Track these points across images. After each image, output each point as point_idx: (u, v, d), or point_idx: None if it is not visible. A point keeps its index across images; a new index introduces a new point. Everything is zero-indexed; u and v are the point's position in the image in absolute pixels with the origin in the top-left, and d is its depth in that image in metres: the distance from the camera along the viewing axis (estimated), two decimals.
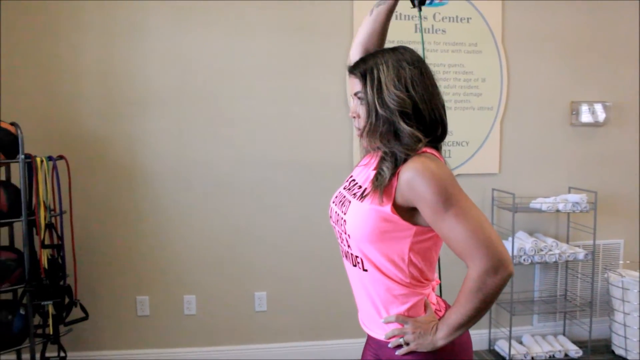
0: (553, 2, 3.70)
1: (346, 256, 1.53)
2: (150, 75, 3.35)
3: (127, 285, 3.45)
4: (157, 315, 3.48)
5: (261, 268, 3.54)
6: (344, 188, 1.57)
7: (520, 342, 3.77)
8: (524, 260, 3.51)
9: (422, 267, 1.45)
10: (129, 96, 3.34)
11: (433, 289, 1.58)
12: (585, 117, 3.74)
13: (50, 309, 2.95)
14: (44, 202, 2.91)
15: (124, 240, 3.41)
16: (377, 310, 1.50)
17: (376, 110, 1.41)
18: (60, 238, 2.99)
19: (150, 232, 3.43)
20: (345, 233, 1.48)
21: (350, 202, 1.49)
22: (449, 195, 1.31)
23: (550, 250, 3.54)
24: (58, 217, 3.01)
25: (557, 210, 3.53)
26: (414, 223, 1.39)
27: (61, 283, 2.98)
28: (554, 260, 3.55)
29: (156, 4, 3.31)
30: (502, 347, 3.68)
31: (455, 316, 1.37)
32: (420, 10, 1.90)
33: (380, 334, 1.50)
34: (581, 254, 3.58)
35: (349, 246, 1.49)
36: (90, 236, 3.35)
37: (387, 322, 1.47)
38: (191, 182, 3.44)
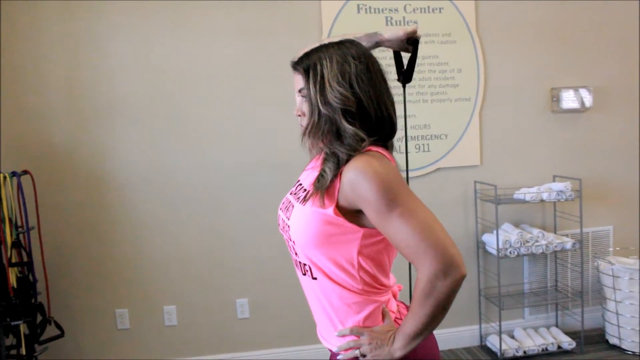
0: None
1: (296, 265, 1.45)
2: (116, 84, 3.26)
3: (105, 298, 3.37)
4: (138, 327, 3.41)
5: (241, 274, 3.46)
6: (291, 193, 1.49)
7: (512, 337, 3.68)
8: (510, 252, 3.42)
9: (374, 272, 1.36)
10: (96, 106, 3.25)
11: (395, 296, 1.50)
12: (567, 103, 3.65)
13: (22, 329, 2.87)
14: (9, 219, 2.83)
15: (99, 254, 3.33)
16: (331, 322, 1.42)
17: (319, 109, 1.33)
18: (29, 255, 2.92)
19: (126, 244, 3.35)
20: (291, 240, 1.41)
21: (293, 206, 1.41)
22: (393, 195, 1.23)
23: (536, 241, 3.45)
24: (26, 234, 2.93)
25: (542, 200, 3.45)
26: (361, 225, 1.31)
27: (33, 301, 2.91)
28: (540, 251, 3.46)
29: (120, 10, 3.23)
30: (493, 342, 3.60)
31: (410, 324, 1.28)
32: (404, 87, 1.87)
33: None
34: (569, 243, 3.50)
35: (296, 253, 1.42)
36: (64, 251, 3.28)
37: (342, 335, 1.39)
38: (164, 190, 3.35)
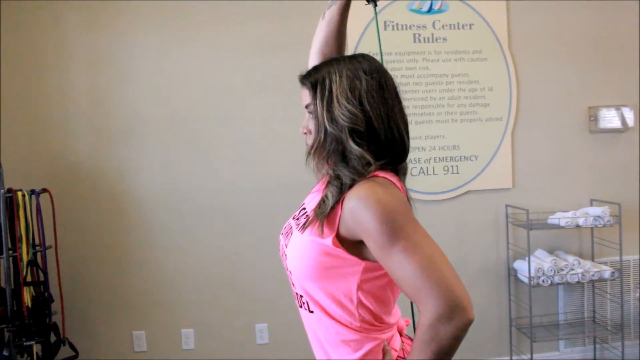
0: (562, 2, 3.46)
1: (294, 296, 1.34)
2: (137, 103, 3.23)
3: (123, 320, 3.30)
4: (155, 350, 3.32)
5: (261, 299, 3.35)
6: (293, 217, 1.38)
7: None
8: (543, 281, 3.23)
9: (375, 309, 1.23)
10: (117, 125, 3.23)
11: (401, 331, 1.37)
12: (606, 122, 3.46)
13: (35, 349, 2.83)
14: (26, 237, 2.80)
15: (118, 274, 3.27)
16: (328, 358, 1.29)
17: (325, 126, 1.23)
18: (45, 274, 2.88)
19: (144, 264, 3.28)
20: (287, 269, 1.30)
21: (292, 233, 1.30)
22: (396, 227, 1.10)
23: (571, 269, 3.26)
24: (42, 253, 2.89)
25: (577, 226, 3.25)
26: (363, 258, 1.19)
27: (47, 321, 2.87)
28: (576, 280, 3.26)
29: (140, 30, 3.21)
30: None
31: None
32: (375, 6, 1.67)
33: None
34: (607, 272, 3.28)
35: (292, 284, 1.31)
36: (82, 270, 3.23)
37: None
38: (184, 211, 3.29)
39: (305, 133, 1.33)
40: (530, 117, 3.48)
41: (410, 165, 3.32)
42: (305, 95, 1.30)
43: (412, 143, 3.53)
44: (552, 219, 3.33)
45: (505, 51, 3.41)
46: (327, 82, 1.25)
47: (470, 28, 3.39)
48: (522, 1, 3.43)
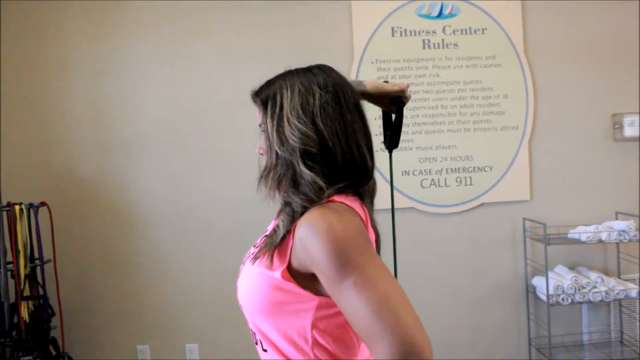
0: (581, 3, 3.27)
1: (250, 332, 1.23)
2: (139, 115, 3.21)
3: (127, 334, 3.27)
4: None
5: None
6: (255, 245, 1.27)
7: None
8: (563, 299, 3.03)
9: (333, 350, 1.10)
10: (121, 138, 3.21)
11: None
12: (633, 130, 3.24)
13: None
14: (24, 251, 2.79)
15: (122, 287, 3.24)
16: None
17: (275, 149, 1.12)
18: (43, 288, 2.86)
19: (148, 278, 3.24)
20: (239, 303, 1.19)
21: (245, 263, 1.20)
22: (347, 259, 0.97)
23: (594, 287, 3.05)
24: (41, 267, 2.88)
25: (600, 241, 3.05)
26: (317, 293, 1.06)
27: (46, 335, 2.84)
28: (599, 299, 3.05)
29: (141, 43, 3.19)
30: None
31: None
32: (390, 154, 1.51)
33: None
34: (634, 290, 3.06)
35: (246, 319, 1.20)
36: (85, 284, 3.21)
37: None
38: (188, 224, 3.24)
39: (261, 154, 1.22)
40: (548, 125, 3.29)
41: (420, 177, 3.21)
42: (258, 113, 1.19)
43: (423, 153, 3.37)
44: (573, 234, 3.13)
45: (520, 56, 3.24)
46: (277, 98, 1.13)
47: (483, 33, 3.23)
48: (538, 3, 3.25)
